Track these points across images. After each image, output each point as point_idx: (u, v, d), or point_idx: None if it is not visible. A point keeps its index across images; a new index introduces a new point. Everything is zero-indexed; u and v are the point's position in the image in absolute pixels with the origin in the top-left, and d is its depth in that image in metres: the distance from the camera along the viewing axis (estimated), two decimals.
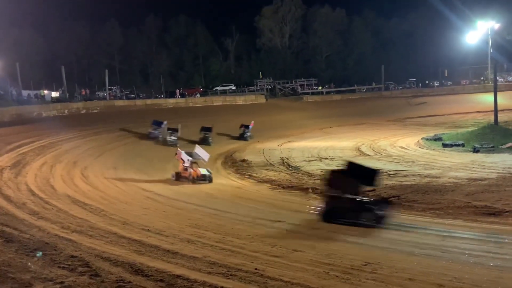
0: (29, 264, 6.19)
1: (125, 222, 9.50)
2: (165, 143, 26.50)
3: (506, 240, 8.85)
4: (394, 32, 77.10)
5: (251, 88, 62.43)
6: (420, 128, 35.67)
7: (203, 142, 27.66)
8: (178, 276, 5.96)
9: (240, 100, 53.53)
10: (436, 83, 66.87)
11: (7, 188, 12.68)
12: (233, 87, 63.96)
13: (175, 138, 26.76)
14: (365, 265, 6.79)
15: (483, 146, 22.40)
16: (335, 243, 8.55)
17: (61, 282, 5.67)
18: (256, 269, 6.40)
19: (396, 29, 76.92)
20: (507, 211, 10.78)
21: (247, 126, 32.76)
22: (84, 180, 15.42)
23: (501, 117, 28.97)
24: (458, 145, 23.80)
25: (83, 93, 53.29)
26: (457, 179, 15.22)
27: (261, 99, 54.81)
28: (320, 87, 65.47)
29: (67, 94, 48.49)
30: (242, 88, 63.19)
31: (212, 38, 79.03)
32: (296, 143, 29.47)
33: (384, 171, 17.68)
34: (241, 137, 32.05)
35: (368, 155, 23.20)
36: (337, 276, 6.25)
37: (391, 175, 16.69)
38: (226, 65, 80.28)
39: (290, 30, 77.36)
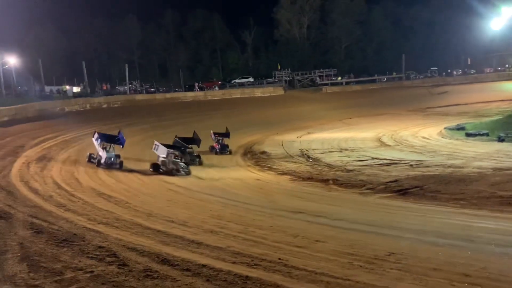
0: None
1: (149, 213, 9.65)
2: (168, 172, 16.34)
3: None
4: (414, 20, 75.68)
5: (270, 80, 62.30)
6: (442, 117, 35.09)
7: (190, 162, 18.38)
8: (203, 266, 6.06)
9: (258, 92, 53.57)
10: (459, 72, 65.56)
11: (34, 182, 13.01)
12: (251, 80, 63.95)
13: (186, 167, 16.65)
14: (389, 255, 6.76)
15: (509, 135, 21.90)
16: (357, 233, 8.53)
17: (91, 271, 5.84)
18: (279, 259, 6.45)
19: (416, 17, 75.47)
20: None
21: (224, 134, 23.27)
22: (108, 173, 15.69)
23: None
24: (482, 135, 23.34)
25: (104, 88, 54.15)
26: (482, 169, 14.94)
27: (280, 91, 54.71)
28: (339, 78, 64.94)
29: (89, 89, 49.31)
30: (260, 80, 63.12)
31: (230, 30, 79.08)
32: (316, 135, 29.36)
33: (406, 161, 17.54)
34: (221, 151, 22.55)
35: (390, 145, 22.97)
36: (360, 266, 6.25)
37: (414, 166, 16.50)
38: (244, 57, 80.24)
39: (308, 20, 76.73)
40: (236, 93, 52.53)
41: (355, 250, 7.08)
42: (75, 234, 7.71)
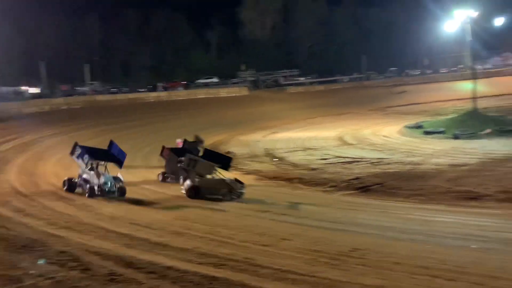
0: None
1: (113, 216, 9.48)
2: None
3: (487, 223, 9.15)
4: (374, 21, 77.55)
5: (234, 80, 62.28)
6: (401, 116, 36.15)
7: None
8: (169, 268, 6.01)
9: (223, 92, 53.42)
10: (417, 72, 67.78)
11: None
12: (216, 80, 63.71)
13: (243, 185, 12.24)
14: (353, 251, 6.94)
15: (463, 133, 22.93)
16: (321, 230, 8.71)
17: (52, 278, 5.67)
18: (246, 258, 6.49)
19: (376, 18, 77.36)
20: (487, 195, 11.12)
21: (195, 143, 16.67)
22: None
23: (480, 104, 29.58)
24: (439, 132, 24.30)
25: (64, 88, 52.47)
26: (439, 166, 15.57)
27: (244, 91, 54.79)
28: (303, 78, 65.72)
29: (47, 90, 47.73)
30: (225, 81, 62.98)
31: (194, 30, 78.36)
32: (280, 134, 29.59)
33: (368, 159, 17.99)
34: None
35: (352, 144, 23.47)
36: (325, 263, 6.38)
37: (375, 163, 16.95)
38: (209, 57, 79.79)
39: (272, 21, 77.22)
40: (201, 93, 52.17)
41: (320, 247, 7.23)
42: (35, 239, 7.47)
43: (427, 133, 24.68)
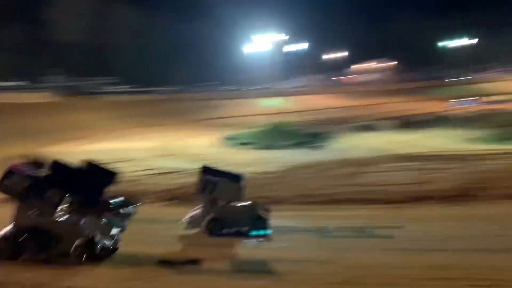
0: None
1: None
2: None
3: (289, 224, 10.22)
4: (193, 37, 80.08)
5: (42, 85, 56.60)
6: (216, 128, 38.06)
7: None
8: None
9: (27, 98, 47.71)
10: (229, 88, 72.88)
11: None
12: (20, 83, 56.90)
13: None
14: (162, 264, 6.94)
15: (270, 144, 25.50)
16: (133, 244, 8.43)
17: None
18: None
19: (195, 34, 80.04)
20: (288, 199, 12.54)
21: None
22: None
23: (284, 118, 33.25)
24: (250, 144, 26.44)
25: None
26: (250, 174, 16.78)
27: (54, 97, 50.14)
28: (119, 87, 63.70)
29: None
30: (31, 85, 56.71)
31: None
32: (93, 145, 27.91)
33: (183, 170, 18.28)
34: None
35: (168, 155, 23.58)
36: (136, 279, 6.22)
37: (190, 174, 17.24)
38: (13, 58, 70.43)
39: (85, 25, 72.74)
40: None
41: (132, 261, 6.99)
42: None
43: (239, 144, 26.58)
